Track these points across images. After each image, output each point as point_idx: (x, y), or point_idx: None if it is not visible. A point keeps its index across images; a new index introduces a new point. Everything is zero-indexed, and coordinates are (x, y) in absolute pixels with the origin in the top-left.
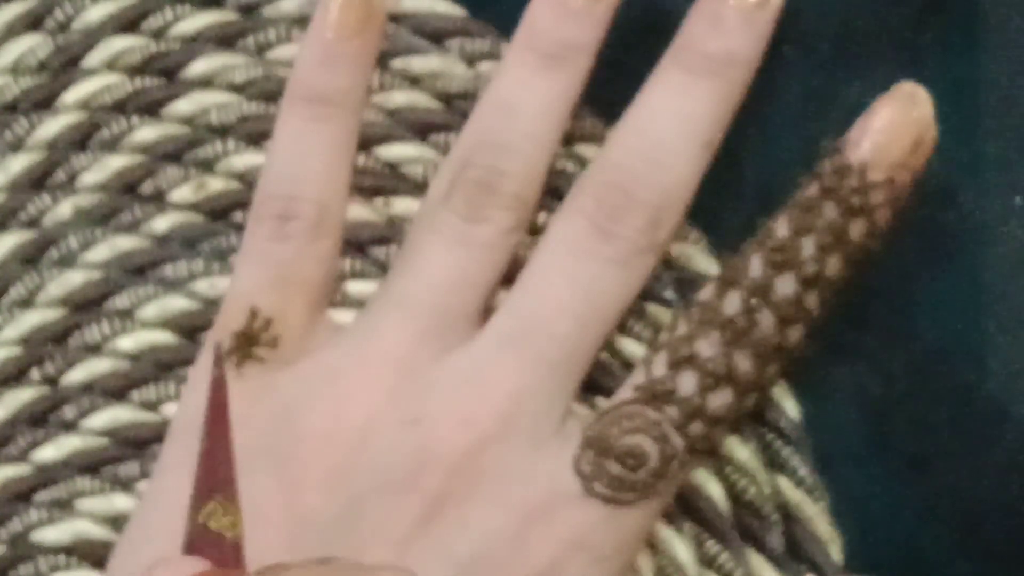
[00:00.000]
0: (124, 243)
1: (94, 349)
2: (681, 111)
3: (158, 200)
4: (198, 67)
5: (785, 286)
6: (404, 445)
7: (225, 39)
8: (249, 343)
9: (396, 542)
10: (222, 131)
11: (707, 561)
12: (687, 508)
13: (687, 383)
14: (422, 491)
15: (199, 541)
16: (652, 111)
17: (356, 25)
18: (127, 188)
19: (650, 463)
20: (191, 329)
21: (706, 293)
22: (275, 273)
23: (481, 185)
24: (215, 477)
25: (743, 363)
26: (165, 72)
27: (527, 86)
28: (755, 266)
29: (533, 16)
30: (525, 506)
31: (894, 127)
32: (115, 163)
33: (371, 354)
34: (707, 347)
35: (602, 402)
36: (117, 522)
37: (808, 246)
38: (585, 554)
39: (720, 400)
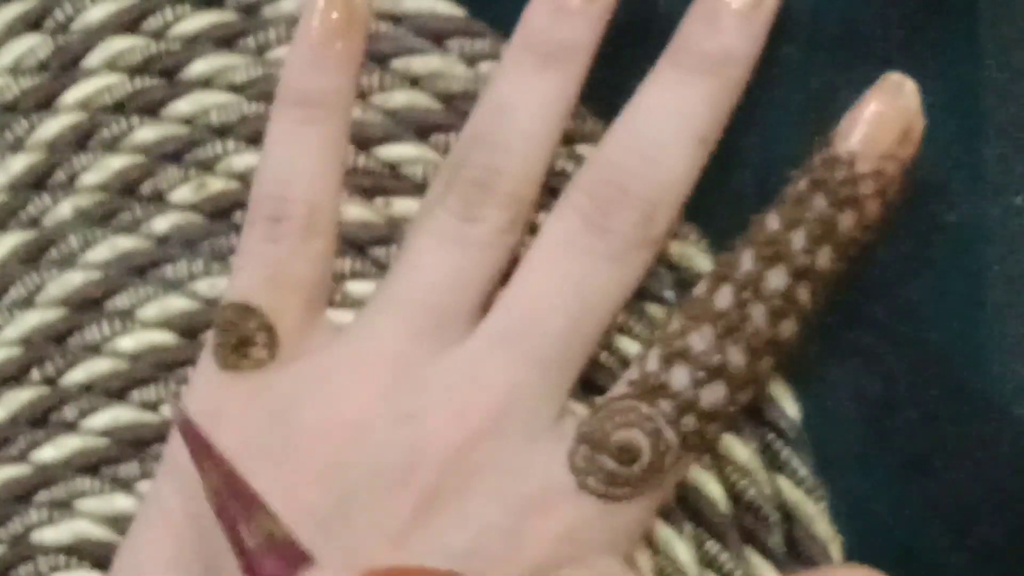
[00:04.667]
0: (124, 243)
1: (94, 349)
2: (675, 108)
3: (158, 200)
4: (198, 67)
5: (776, 279)
6: (398, 441)
7: (225, 39)
8: (245, 343)
9: (392, 536)
10: (222, 131)
11: (707, 561)
12: (687, 508)
13: (680, 377)
14: (416, 486)
15: (262, 556)
16: (647, 108)
17: (340, 28)
18: (127, 188)
19: (643, 458)
20: (191, 329)
21: (699, 288)
22: (269, 273)
23: (476, 184)
24: (237, 498)
25: (736, 357)
26: (165, 72)
27: (524, 86)
28: (746, 260)
29: (530, 16)
30: (519, 501)
31: (881, 118)
32: (115, 163)
33: (366, 352)
34: (699, 341)
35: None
36: (117, 522)
37: (799, 239)
38: (579, 549)
39: (713, 394)
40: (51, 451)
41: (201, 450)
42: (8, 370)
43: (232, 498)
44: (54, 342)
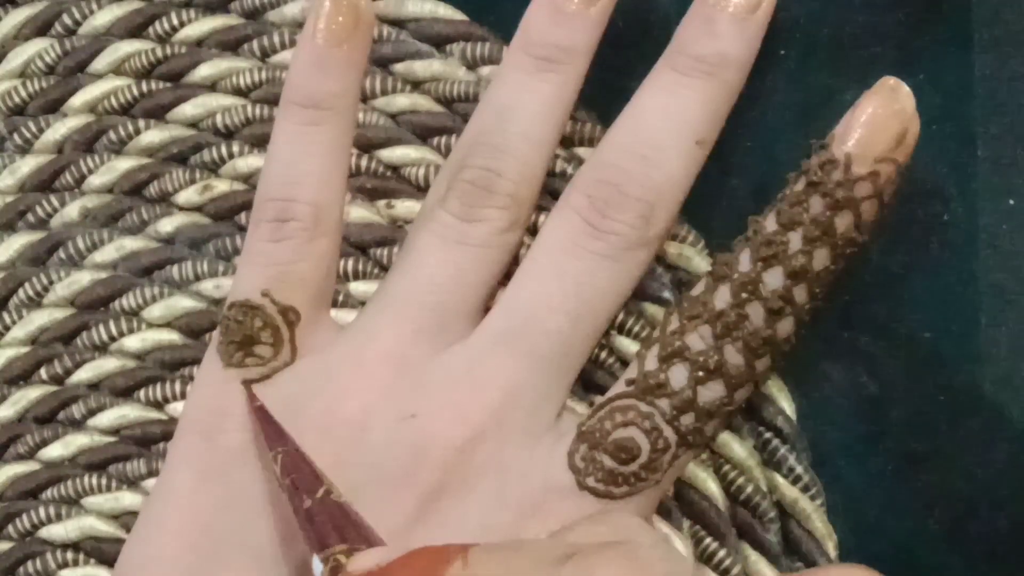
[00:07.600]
0: (131, 244)
1: (101, 348)
2: (672, 110)
3: (164, 202)
4: (203, 71)
5: (774, 279)
6: (400, 440)
7: (230, 43)
8: (250, 342)
9: (394, 535)
10: (227, 134)
11: (705, 558)
12: (685, 506)
13: (678, 376)
14: (418, 485)
15: (317, 516)
16: (644, 110)
17: (345, 30)
18: (134, 190)
19: (642, 456)
20: (197, 329)
21: (697, 288)
22: (273, 273)
23: (476, 185)
24: (312, 477)
25: (734, 356)
26: (171, 76)
27: (522, 89)
28: (744, 261)
29: (529, 20)
30: (520, 500)
31: (877, 121)
32: (122, 165)
33: (368, 352)
34: (698, 340)
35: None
36: (124, 519)
37: (795, 240)
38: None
39: (711, 393)
40: (59, 449)
41: (274, 433)
42: (16, 369)
43: (298, 473)
44: (62, 341)
